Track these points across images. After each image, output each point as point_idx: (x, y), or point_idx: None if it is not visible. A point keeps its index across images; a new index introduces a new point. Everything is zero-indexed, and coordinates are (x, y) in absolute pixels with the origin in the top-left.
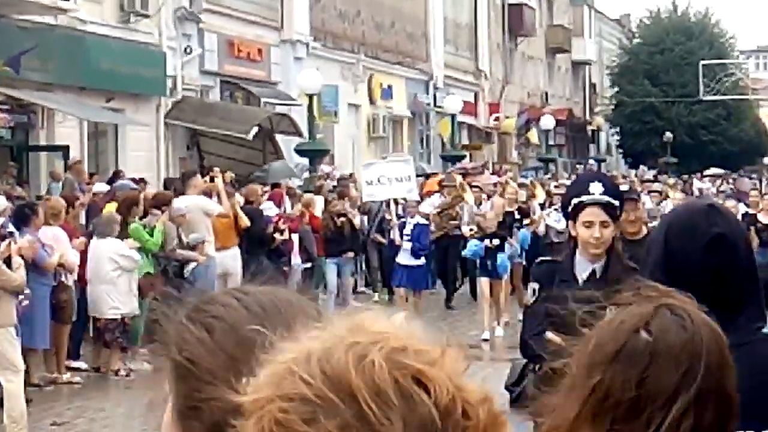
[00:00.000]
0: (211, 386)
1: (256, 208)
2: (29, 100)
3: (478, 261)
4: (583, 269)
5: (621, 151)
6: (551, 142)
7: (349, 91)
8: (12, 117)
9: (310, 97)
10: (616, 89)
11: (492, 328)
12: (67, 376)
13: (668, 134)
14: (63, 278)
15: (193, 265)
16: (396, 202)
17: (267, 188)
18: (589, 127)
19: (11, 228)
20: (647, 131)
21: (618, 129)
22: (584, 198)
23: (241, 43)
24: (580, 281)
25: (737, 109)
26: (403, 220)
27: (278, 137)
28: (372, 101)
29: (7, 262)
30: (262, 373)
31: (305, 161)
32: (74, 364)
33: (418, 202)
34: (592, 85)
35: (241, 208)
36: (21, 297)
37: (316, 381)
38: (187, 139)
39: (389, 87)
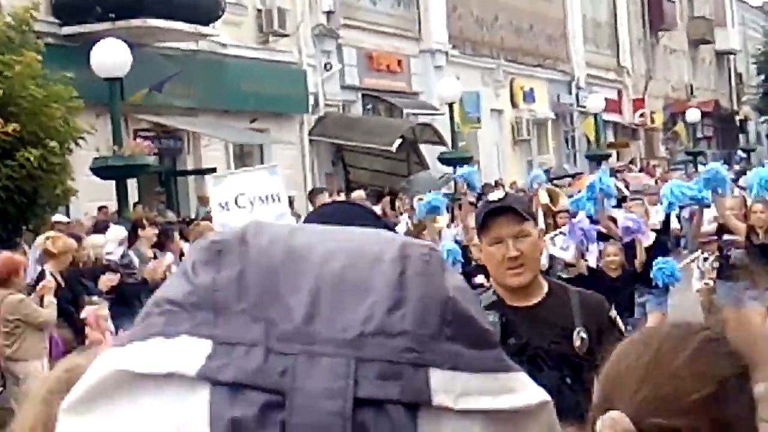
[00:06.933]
0: None
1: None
2: (175, 125)
3: None
4: None
5: None
6: (699, 135)
7: (490, 96)
8: (159, 143)
9: (450, 105)
10: (762, 77)
11: None
12: None
13: None
14: None
15: None
16: None
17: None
18: (737, 118)
19: (133, 256)
20: None
21: (767, 117)
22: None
23: (380, 56)
24: None
25: None
26: None
27: (422, 147)
28: (514, 105)
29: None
30: None
31: (450, 170)
32: None
33: None
34: (738, 75)
35: None
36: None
37: None
38: (331, 155)
39: (531, 90)
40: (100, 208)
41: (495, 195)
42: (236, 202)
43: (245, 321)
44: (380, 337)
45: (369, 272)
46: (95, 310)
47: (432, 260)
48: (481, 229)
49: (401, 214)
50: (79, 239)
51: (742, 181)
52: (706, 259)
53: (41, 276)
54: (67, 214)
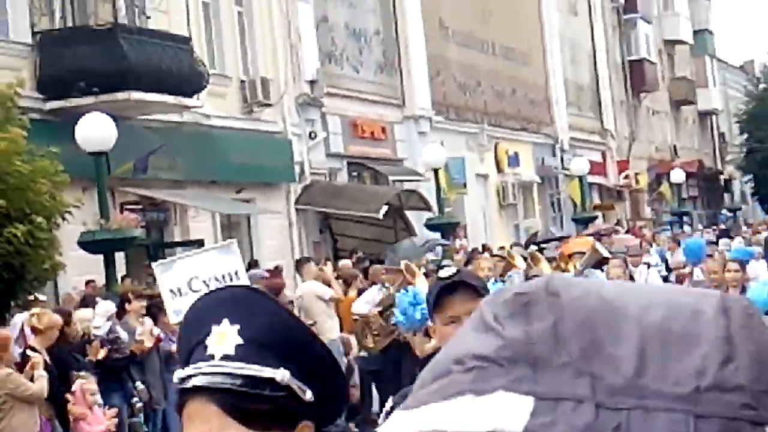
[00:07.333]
0: None
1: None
2: (161, 198)
3: None
4: None
5: (756, 197)
6: (684, 195)
7: (475, 161)
8: (145, 216)
9: (436, 171)
10: (745, 136)
11: None
12: None
13: None
14: None
15: None
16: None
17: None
18: (722, 177)
19: (120, 330)
20: None
21: (751, 176)
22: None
23: (364, 123)
24: None
25: None
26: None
27: (409, 214)
28: (499, 169)
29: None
30: None
31: (437, 236)
32: None
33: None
34: (721, 135)
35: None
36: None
37: None
38: (318, 223)
39: (516, 154)
40: (87, 282)
41: (447, 271)
42: (190, 286)
43: (568, 375)
44: (715, 391)
45: (692, 324)
46: (82, 384)
47: (755, 314)
48: (435, 308)
49: (374, 283)
50: (68, 315)
51: (722, 243)
52: None
53: (24, 357)
54: (56, 289)
